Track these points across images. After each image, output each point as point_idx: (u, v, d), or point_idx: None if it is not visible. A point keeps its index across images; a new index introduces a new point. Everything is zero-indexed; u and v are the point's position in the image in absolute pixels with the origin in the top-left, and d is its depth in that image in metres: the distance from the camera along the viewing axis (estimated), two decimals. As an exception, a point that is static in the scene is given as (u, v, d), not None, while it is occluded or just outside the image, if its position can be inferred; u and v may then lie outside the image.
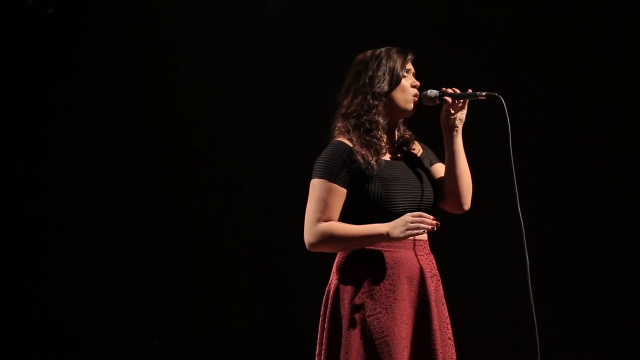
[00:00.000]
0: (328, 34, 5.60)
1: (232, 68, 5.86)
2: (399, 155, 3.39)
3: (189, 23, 5.93)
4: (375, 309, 3.23)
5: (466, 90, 3.34)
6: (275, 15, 5.75)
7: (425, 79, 3.43)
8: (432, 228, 3.17)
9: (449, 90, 3.35)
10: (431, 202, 3.33)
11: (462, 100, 3.34)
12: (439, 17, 5.49)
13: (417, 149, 3.45)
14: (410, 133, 3.45)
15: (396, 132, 3.42)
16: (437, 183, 3.40)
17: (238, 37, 5.84)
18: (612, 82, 5.30)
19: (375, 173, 3.27)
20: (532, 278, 5.22)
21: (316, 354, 3.34)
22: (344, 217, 3.29)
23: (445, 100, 3.34)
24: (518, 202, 3.30)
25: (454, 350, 3.35)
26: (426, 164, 3.43)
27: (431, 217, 3.19)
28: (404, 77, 3.35)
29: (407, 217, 3.18)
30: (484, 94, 3.31)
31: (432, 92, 3.35)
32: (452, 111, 3.34)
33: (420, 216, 3.17)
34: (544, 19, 5.39)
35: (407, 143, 3.42)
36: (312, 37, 5.65)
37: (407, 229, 3.16)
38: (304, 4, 5.71)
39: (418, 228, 3.16)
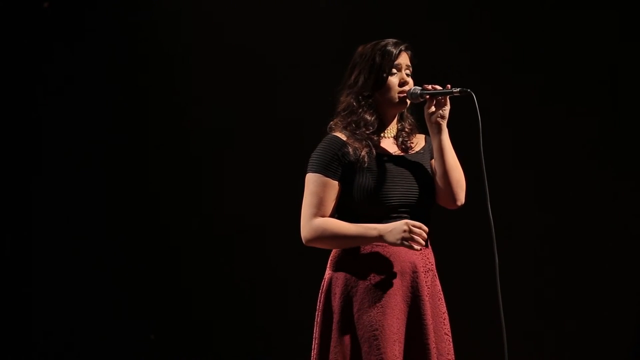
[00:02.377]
0: (328, 30, 5.59)
1: (229, 64, 5.85)
2: (395, 148, 3.38)
3: (186, 19, 5.92)
4: (365, 303, 3.24)
5: (445, 87, 3.32)
6: (275, 12, 5.75)
7: (424, 73, 3.42)
8: (423, 246, 3.21)
9: (429, 87, 3.33)
10: (424, 197, 3.32)
11: (443, 97, 3.32)
12: (439, 11, 5.48)
13: (418, 142, 3.44)
14: (411, 126, 3.44)
15: (396, 124, 3.42)
16: (433, 177, 3.39)
17: (236, 33, 5.83)
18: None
19: (366, 166, 3.28)
20: (532, 277, 5.25)
21: (312, 348, 3.35)
22: (340, 210, 3.31)
23: (425, 97, 3.34)
24: (488, 198, 3.29)
25: (451, 346, 3.34)
26: (426, 157, 3.41)
27: (427, 229, 3.20)
28: (393, 74, 3.34)
29: (406, 225, 3.19)
30: (457, 89, 3.29)
31: (415, 89, 3.34)
32: (434, 108, 3.33)
33: (419, 227, 3.18)
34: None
35: (407, 136, 3.41)
36: (311, 33, 5.64)
37: (403, 239, 3.18)
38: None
39: (414, 240, 3.17)
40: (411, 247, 3.19)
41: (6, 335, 6.03)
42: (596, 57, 5.32)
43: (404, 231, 3.18)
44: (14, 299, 6.05)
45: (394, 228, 3.20)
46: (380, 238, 3.21)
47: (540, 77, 5.36)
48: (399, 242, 3.18)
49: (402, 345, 3.23)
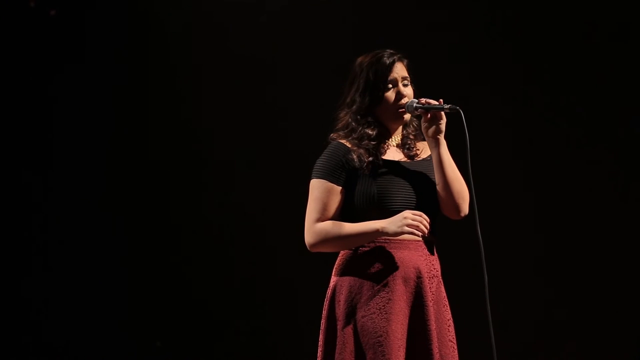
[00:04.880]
0: (330, 35, 5.59)
1: (232, 70, 5.86)
2: (401, 155, 3.38)
3: (190, 25, 5.93)
4: (369, 309, 3.23)
5: (438, 101, 3.29)
6: (277, 16, 5.75)
7: (427, 82, 3.42)
8: (426, 234, 3.22)
9: (422, 101, 3.31)
10: (427, 204, 3.31)
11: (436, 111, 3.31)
12: (439, 18, 5.49)
13: (424, 148, 3.42)
14: (415, 131, 3.41)
15: (401, 131, 3.41)
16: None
17: (239, 39, 5.84)
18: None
19: (370, 172, 3.28)
20: (534, 278, 5.23)
21: (317, 355, 3.34)
22: (344, 216, 3.30)
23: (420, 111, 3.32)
24: (476, 213, 3.30)
25: (456, 353, 3.34)
26: (430, 164, 3.39)
27: (428, 220, 3.21)
28: (388, 89, 3.31)
29: (407, 213, 3.21)
30: (447, 106, 3.27)
31: (411, 102, 3.32)
32: (429, 122, 3.30)
33: (420, 216, 3.20)
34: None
35: (412, 142, 3.40)
36: (313, 39, 5.64)
37: (404, 225, 3.19)
38: (305, 5, 5.71)
39: (416, 227, 3.18)
40: (413, 234, 3.19)
41: (6, 346, 6.03)
42: (598, 56, 5.32)
43: (405, 218, 3.19)
44: (14, 307, 6.05)
45: (395, 218, 3.21)
46: (381, 231, 3.22)
47: (542, 84, 5.39)
48: (400, 229, 3.20)
49: (405, 351, 3.23)
